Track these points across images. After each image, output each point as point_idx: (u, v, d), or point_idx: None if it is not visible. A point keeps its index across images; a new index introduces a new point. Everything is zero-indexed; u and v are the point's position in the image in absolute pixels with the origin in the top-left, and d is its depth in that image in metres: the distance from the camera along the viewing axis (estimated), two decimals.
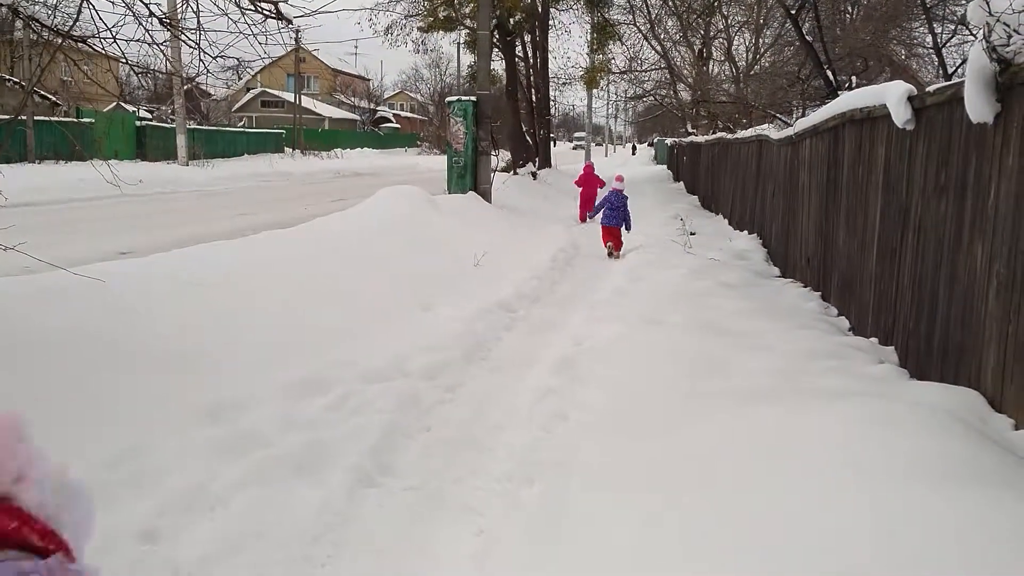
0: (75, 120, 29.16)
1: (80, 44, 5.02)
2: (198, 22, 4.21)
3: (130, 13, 4.15)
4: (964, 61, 9.12)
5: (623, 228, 12.37)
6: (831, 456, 3.12)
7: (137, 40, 4.23)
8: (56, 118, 28.68)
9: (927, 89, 4.89)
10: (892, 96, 5.19)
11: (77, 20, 4.36)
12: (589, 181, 17.15)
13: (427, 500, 3.93)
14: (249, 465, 3.92)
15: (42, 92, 28.71)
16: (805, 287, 8.25)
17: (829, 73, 8.58)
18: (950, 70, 9.67)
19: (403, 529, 3.63)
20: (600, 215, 12.50)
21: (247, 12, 4.30)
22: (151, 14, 4.14)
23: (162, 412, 4.27)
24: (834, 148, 7.29)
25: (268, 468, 3.90)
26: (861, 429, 3.35)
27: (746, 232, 12.63)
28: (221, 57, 4.40)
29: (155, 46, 4.27)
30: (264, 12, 4.42)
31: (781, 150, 9.99)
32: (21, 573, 0.64)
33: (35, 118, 26.24)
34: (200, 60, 4.36)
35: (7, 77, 26.09)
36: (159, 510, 3.42)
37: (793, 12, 8.91)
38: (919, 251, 4.96)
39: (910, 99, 5.12)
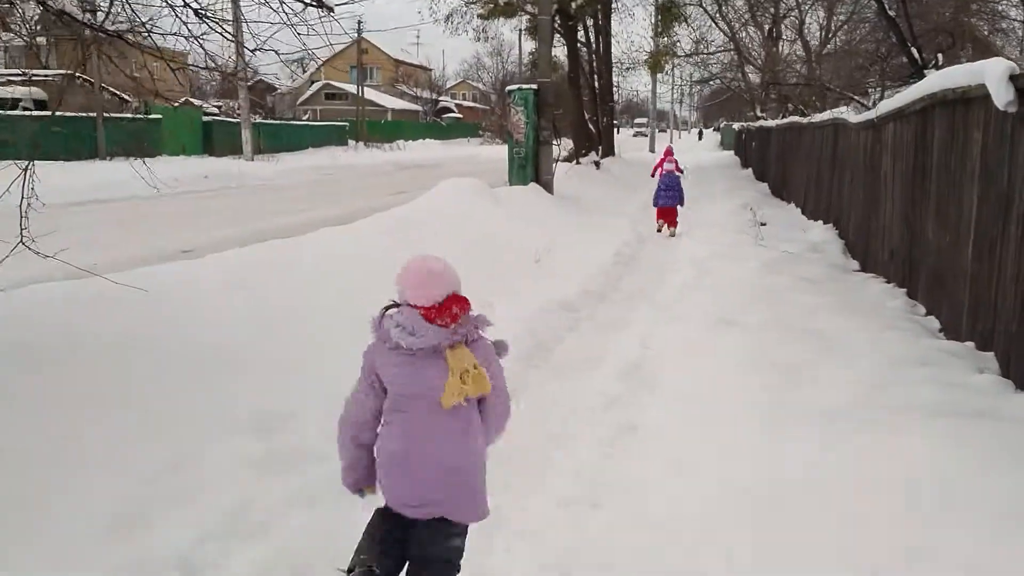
0: (143, 116, 29.73)
1: (116, 39, 4.85)
2: (235, 13, 3.98)
3: (165, 4, 3.96)
4: None
5: (678, 205, 13.16)
6: (938, 497, 2.73)
7: (173, 34, 4.03)
8: (125, 114, 29.34)
9: None
10: (992, 75, 4.69)
11: (108, 14, 4.18)
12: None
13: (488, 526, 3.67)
14: (297, 484, 3.70)
15: (111, 89, 29.36)
16: (888, 283, 7.71)
17: (914, 51, 7.98)
18: None
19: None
20: (657, 197, 13.28)
21: (285, 1, 4.06)
22: (185, 4, 3.92)
23: (207, 423, 4.08)
24: (922, 132, 6.75)
25: (317, 487, 3.67)
26: (967, 458, 2.94)
27: (820, 222, 12.03)
28: (261, 50, 4.17)
29: (192, 39, 4.07)
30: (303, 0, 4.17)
31: (860, 135, 9.41)
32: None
33: (104, 115, 26.79)
34: (238, 54, 4.14)
35: (77, 75, 26.65)
36: (200, 535, 3.21)
37: None
38: None
39: (1012, 78, 4.61)
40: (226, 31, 4.09)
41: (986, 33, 17.29)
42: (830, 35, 24.70)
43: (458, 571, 2.66)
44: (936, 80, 6.17)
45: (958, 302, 5.67)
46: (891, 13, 8.53)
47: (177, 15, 4.25)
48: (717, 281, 8.31)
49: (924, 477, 2.91)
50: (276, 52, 4.21)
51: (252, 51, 4.22)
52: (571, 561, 3.23)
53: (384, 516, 2.70)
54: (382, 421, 2.75)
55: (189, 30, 4.26)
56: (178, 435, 3.89)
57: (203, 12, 4.01)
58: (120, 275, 5.76)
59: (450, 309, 2.60)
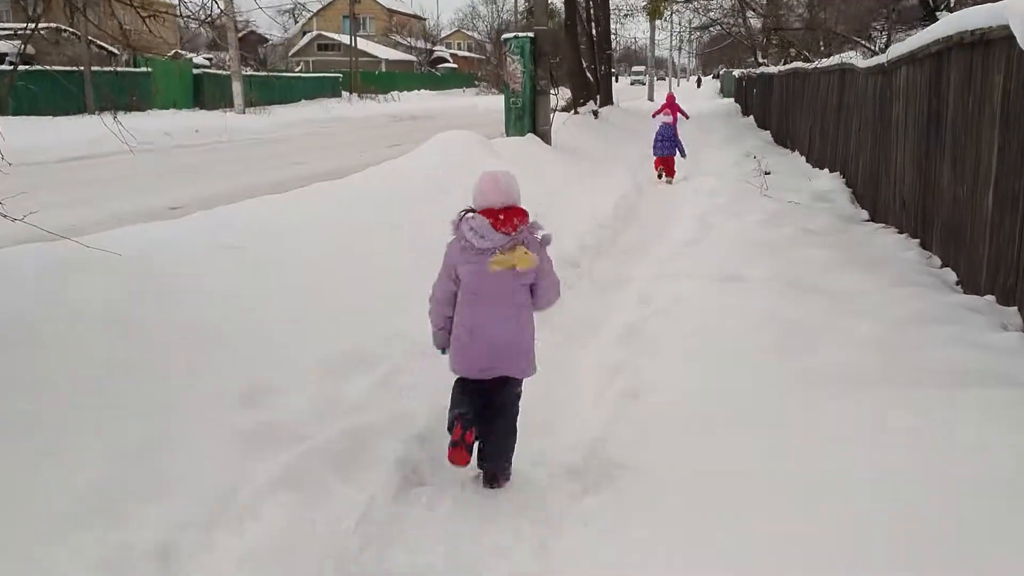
0: (132, 70, 29.12)
1: None
2: None
3: None
4: None
5: (676, 155, 13.48)
6: (976, 482, 2.52)
7: None
8: (113, 68, 28.70)
9: None
10: (1014, 14, 4.39)
11: None
12: (670, 109, 16.81)
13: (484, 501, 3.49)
14: (284, 462, 3.49)
15: (98, 42, 28.70)
16: (900, 233, 7.46)
17: None
18: None
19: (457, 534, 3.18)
20: (655, 147, 13.61)
21: None
22: None
23: (189, 398, 3.86)
24: (937, 77, 6.44)
25: (304, 467, 3.47)
26: (1005, 434, 2.73)
27: (827, 171, 11.73)
28: None
29: None
30: None
31: (869, 80, 9.07)
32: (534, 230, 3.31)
33: (92, 68, 26.21)
34: None
35: (63, 28, 26.03)
36: (177, 522, 3.01)
37: None
38: None
39: None
40: None
41: None
42: None
43: (518, 408, 3.64)
44: (953, 21, 5.85)
45: (977, 254, 5.43)
46: None
47: None
48: (721, 235, 8.07)
49: (970, 472, 2.68)
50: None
51: None
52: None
53: (463, 382, 3.62)
54: (457, 304, 3.55)
55: None
56: (154, 412, 3.67)
57: None
58: (100, 236, 5.51)
59: (511, 220, 3.41)
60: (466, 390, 3.59)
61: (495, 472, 3.58)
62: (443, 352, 3.75)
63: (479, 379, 3.54)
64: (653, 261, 7.52)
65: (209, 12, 4.33)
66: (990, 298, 5.06)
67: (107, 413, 3.56)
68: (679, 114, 17.08)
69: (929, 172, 6.69)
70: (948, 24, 5.99)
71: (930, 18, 7.64)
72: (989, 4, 5.02)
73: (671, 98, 17.60)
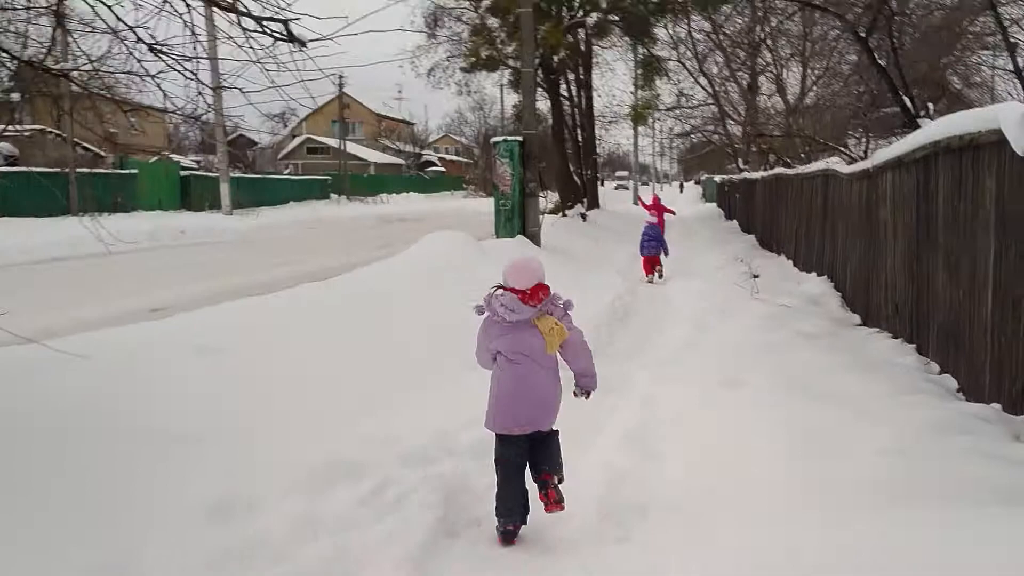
0: (118, 171, 29.33)
1: (90, 94, 4.53)
2: (195, 47, 3.65)
3: (115, 37, 3.62)
4: None
5: (661, 254, 14.09)
6: None
7: (127, 72, 3.69)
8: (99, 170, 28.92)
9: None
10: (1010, 118, 4.42)
11: (50, 52, 3.83)
12: (657, 209, 17.35)
13: None
14: None
15: (84, 144, 28.99)
16: (895, 338, 7.37)
17: (906, 100, 7.79)
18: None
19: None
20: (642, 247, 14.13)
21: (252, 35, 3.73)
22: (139, 40, 3.59)
23: (158, 511, 3.62)
24: (924, 181, 6.48)
25: None
26: None
27: (814, 274, 11.75)
28: (224, 88, 3.83)
29: (148, 78, 3.73)
30: (272, 33, 3.83)
31: (854, 185, 9.17)
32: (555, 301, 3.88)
33: (77, 170, 26.40)
34: (199, 93, 3.80)
35: (49, 130, 26.29)
36: None
37: (864, 35, 8.16)
38: None
39: None
40: (185, 69, 3.75)
41: (959, 87, 17.34)
42: (806, 90, 24.86)
43: (559, 445, 4.09)
44: (940, 127, 5.92)
45: (978, 360, 5.33)
46: (881, 63, 8.36)
47: (131, 52, 3.90)
48: (717, 337, 7.97)
49: None
50: (241, 90, 3.86)
51: (214, 89, 3.86)
52: None
53: (502, 439, 4.04)
54: (494, 369, 4.10)
55: (144, 68, 3.91)
56: (117, 530, 3.42)
57: (158, 48, 3.66)
58: (74, 339, 5.32)
59: (537, 294, 3.93)
60: (508, 449, 4.02)
61: (554, 487, 3.96)
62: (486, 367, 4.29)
63: (514, 435, 3.99)
64: (652, 364, 7.37)
65: (196, 109, 4.28)
66: (996, 406, 4.92)
67: (60, 534, 3.31)
68: (666, 213, 17.67)
69: (922, 277, 6.66)
70: (935, 130, 6.07)
71: (911, 124, 7.76)
72: (976, 109, 5.08)
73: (656, 200, 18.05)
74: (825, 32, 20.95)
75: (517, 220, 15.46)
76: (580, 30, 23.13)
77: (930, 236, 6.40)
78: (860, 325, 8.58)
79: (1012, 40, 13.61)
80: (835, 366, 6.28)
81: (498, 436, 4.06)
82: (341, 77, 55.95)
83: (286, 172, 57.31)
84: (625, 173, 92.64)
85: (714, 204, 42.91)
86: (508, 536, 3.94)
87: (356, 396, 5.63)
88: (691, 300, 10.61)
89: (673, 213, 18.57)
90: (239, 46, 3.99)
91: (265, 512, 3.80)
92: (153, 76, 4.13)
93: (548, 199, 20.03)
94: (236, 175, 36.11)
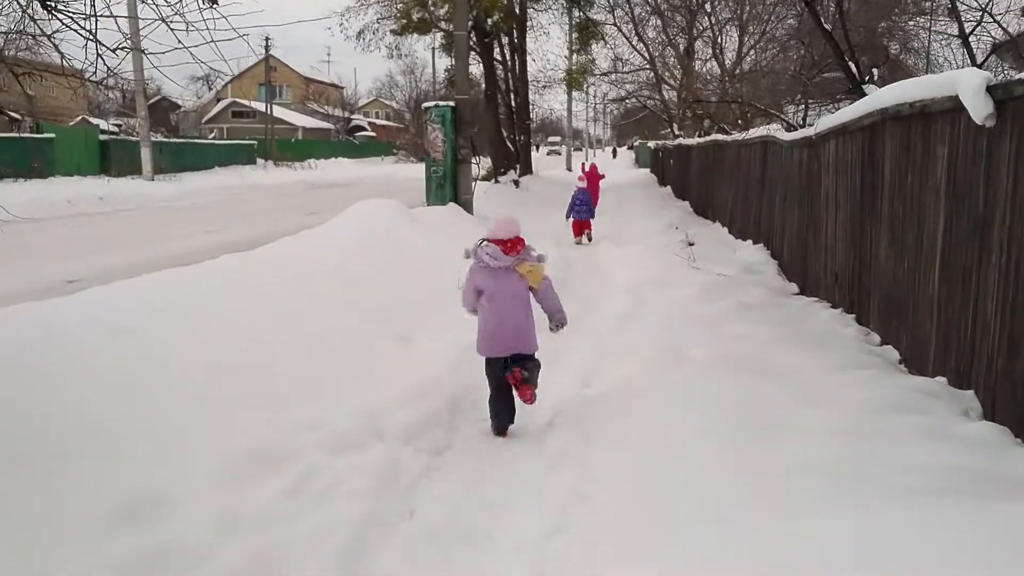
0: (34, 136, 27.89)
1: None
2: (92, 3, 3.19)
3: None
4: (995, 50, 8.24)
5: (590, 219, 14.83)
6: None
7: (18, 32, 3.23)
8: (14, 134, 27.45)
9: (1018, 76, 3.95)
10: (967, 86, 4.25)
11: None
12: (592, 177, 17.93)
13: None
14: None
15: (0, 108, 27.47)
16: (834, 308, 7.30)
17: (852, 65, 7.65)
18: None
19: None
20: (572, 213, 14.60)
21: None
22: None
23: (60, 515, 3.24)
24: (870, 149, 6.36)
25: None
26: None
27: (751, 242, 11.70)
28: (122, 48, 3.39)
29: (44, 37, 3.27)
30: None
31: (795, 152, 9.07)
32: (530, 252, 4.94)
33: None
34: (98, 55, 3.35)
35: None
36: None
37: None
38: (1014, 272, 4.01)
39: (990, 89, 4.17)
40: (81, 27, 3.30)
41: (896, 53, 17.48)
42: (743, 55, 24.88)
43: (538, 366, 5.10)
44: (889, 94, 5.77)
45: (923, 333, 5.24)
46: (827, 27, 8.20)
47: (23, 8, 3.43)
48: (655, 309, 7.80)
49: None
50: (144, 51, 3.42)
51: (113, 50, 3.43)
52: None
53: (489, 361, 5.05)
54: (480, 304, 5.06)
55: (39, 27, 3.44)
56: (9, 540, 3.04)
57: (50, 3, 3.20)
58: None
59: (516, 247, 4.92)
60: (494, 364, 5.03)
61: (528, 382, 4.91)
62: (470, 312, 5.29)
63: (502, 356, 4.99)
64: (590, 337, 7.15)
65: (116, 76, 3.84)
66: (941, 379, 4.83)
67: None
68: (600, 180, 18.52)
69: (864, 246, 6.56)
70: (884, 96, 5.92)
71: (856, 91, 7.62)
72: (929, 76, 4.92)
73: (593, 167, 18.08)
74: None
75: (449, 187, 15.10)
76: None
77: (874, 205, 6.29)
78: (798, 294, 8.52)
79: (955, 3, 13.71)
80: (776, 338, 6.15)
81: (486, 359, 5.08)
82: (267, 39, 54.28)
83: (211, 136, 55.42)
84: (558, 138, 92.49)
85: (647, 170, 43.02)
86: (501, 431, 5.03)
87: (280, 378, 5.25)
88: (629, 270, 10.43)
89: (603, 176, 19.20)
90: (144, 2, 3.54)
91: (182, 511, 3.45)
92: (49, 36, 3.67)
93: (481, 165, 19.65)
94: (159, 139, 34.69)
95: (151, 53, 4.30)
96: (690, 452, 3.91)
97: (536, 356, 5.09)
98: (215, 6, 3.56)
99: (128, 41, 3.62)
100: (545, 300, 5.14)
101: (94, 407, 4.08)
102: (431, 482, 4.25)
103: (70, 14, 3.24)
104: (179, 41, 3.52)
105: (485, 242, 4.96)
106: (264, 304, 6.58)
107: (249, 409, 4.68)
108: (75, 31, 3.28)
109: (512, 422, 5.04)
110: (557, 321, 5.21)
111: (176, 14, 3.45)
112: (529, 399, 4.91)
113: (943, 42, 16.05)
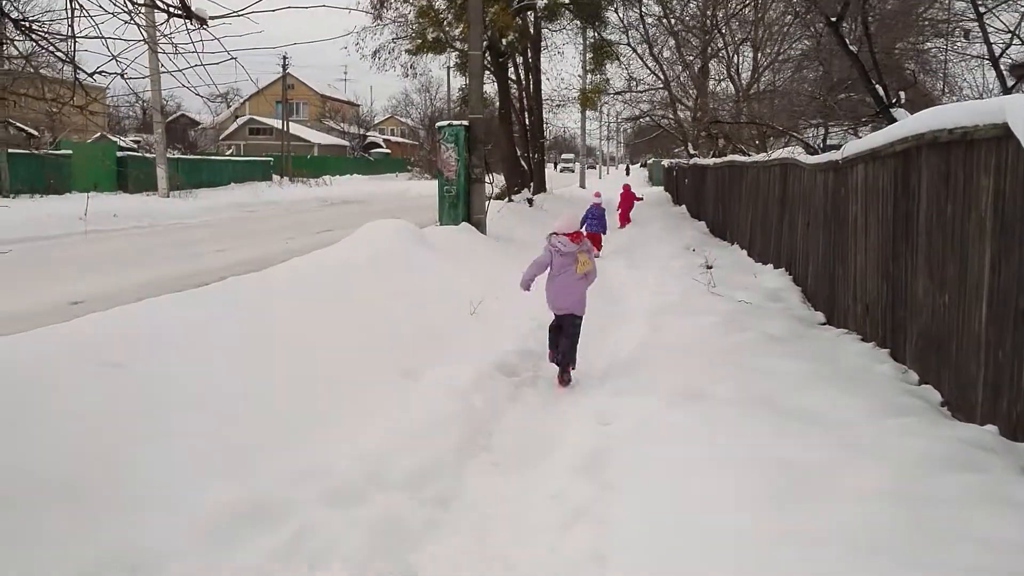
0: (52, 153, 27.92)
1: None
2: (71, 23, 2.91)
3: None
4: None
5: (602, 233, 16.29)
6: None
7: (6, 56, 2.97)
8: (33, 150, 27.47)
9: None
10: (1019, 111, 3.92)
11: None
12: (627, 199, 21.54)
13: None
14: None
15: (18, 124, 27.51)
16: (865, 341, 6.93)
17: (879, 88, 7.32)
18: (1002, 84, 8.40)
19: None
20: (585, 225, 14.89)
21: (138, 8, 3.03)
22: (3, 14, 2.86)
23: None
24: (904, 176, 6.01)
25: None
26: None
27: (771, 266, 11.34)
28: (102, 73, 3.12)
29: (21, 60, 3.01)
30: (166, 8, 3.13)
31: (818, 176, 8.72)
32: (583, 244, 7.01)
33: (9, 151, 24.97)
34: (76, 80, 3.08)
35: None
36: None
37: (834, 19, 7.67)
38: None
39: None
40: (57, 49, 3.03)
41: (912, 74, 17.13)
42: (758, 75, 24.56)
43: (579, 329, 6.95)
44: (925, 119, 5.43)
45: (968, 374, 4.87)
46: (853, 48, 7.88)
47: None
48: (675, 338, 7.44)
49: None
50: (122, 75, 3.14)
51: (90, 75, 3.15)
52: None
53: (555, 318, 6.97)
54: (547, 276, 6.96)
55: (17, 48, 3.18)
56: None
57: (25, 24, 2.94)
58: None
59: (578, 237, 6.89)
60: (555, 321, 7.02)
61: (566, 365, 6.81)
62: (526, 289, 7.13)
63: (561, 314, 6.93)
64: (605, 369, 6.82)
65: (139, 97, 3.62)
66: (992, 428, 4.46)
67: None
68: (636, 200, 21.77)
69: (898, 278, 6.20)
70: (916, 122, 5.59)
71: (885, 114, 7.29)
72: (971, 102, 4.60)
73: (627, 189, 21.89)
74: (779, 16, 20.62)
75: (462, 207, 14.83)
76: (530, 12, 22.44)
77: (909, 235, 5.94)
78: (825, 324, 8.15)
79: (967, 28, 13.36)
80: (807, 376, 5.78)
81: (555, 314, 7.02)
82: (285, 57, 54.51)
83: (228, 153, 55.55)
84: (571, 155, 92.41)
85: (661, 188, 42.67)
86: (562, 379, 6.82)
87: (278, 417, 4.95)
88: (646, 294, 10.09)
89: (640, 199, 22.04)
90: (127, 22, 3.27)
91: (164, 571, 3.14)
92: (26, 57, 3.41)
93: (494, 184, 19.40)
94: (175, 156, 34.69)
95: (164, 72, 4.03)
96: (722, 514, 3.56)
97: (581, 321, 6.97)
98: (205, 27, 3.29)
99: (115, 63, 3.34)
100: (589, 278, 7.00)
101: (72, 461, 3.77)
102: (434, 539, 3.91)
103: (46, 35, 2.97)
104: (162, 66, 3.25)
105: (555, 234, 6.91)
106: (265, 333, 6.29)
107: (244, 454, 4.38)
108: (51, 52, 3.01)
109: (566, 381, 6.83)
110: (589, 281, 7.08)
111: (163, 36, 3.19)
112: (564, 379, 6.78)
113: (967, 64, 15.73)
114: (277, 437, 4.69)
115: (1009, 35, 7.01)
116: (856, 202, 7.26)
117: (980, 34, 8.62)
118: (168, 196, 28.07)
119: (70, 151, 28.85)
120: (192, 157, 40.31)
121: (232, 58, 3.53)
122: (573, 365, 6.81)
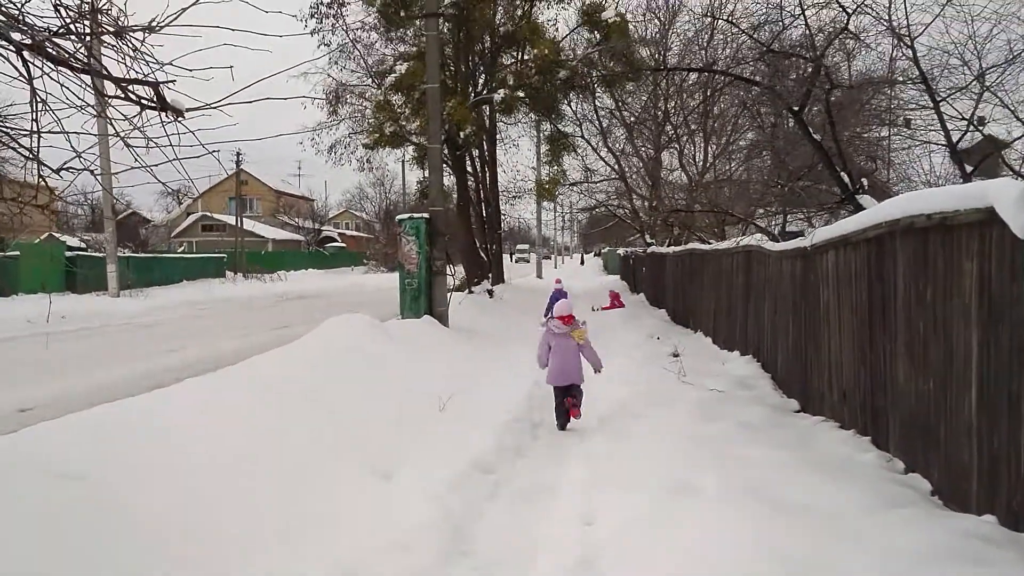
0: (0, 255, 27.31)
1: None
2: (34, 116, 2.77)
3: None
4: (987, 158, 8.14)
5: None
6: None
7: None
8: None
9: None
10: (1006, 197, 3.94)
11: None
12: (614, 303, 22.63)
13: None
14: None
15: None
16: (844, 428, 6.84)
17: (844, 175, 7.45)
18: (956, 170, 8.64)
19: None
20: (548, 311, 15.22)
21: (113, 101, 2.91)
22: None
23: None
24: (878, 261, 6.04)
25: None
26: None
27: (738, 353, 11.32)
28: (67, 170, 2.96)
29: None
30: (139, 100, 3.01)
31: (785, 263, 8.78)
32: (576, 322, 8.51)
33: None
34: (39, 176, 2.92)
35: None
36: None
37: (797, 108, 7.86)
38: None
39: None
40: (20, 145, 2.87)
41: (873, 161, 17.70)
42: (708, 165, 25.23)
43: (582, 392, 8.28)
44: (902, 204, 5.48)
45: (959, 462, 4.77)
46: (816, 137, 8.06)
47: None
48: (651, 429, 7.27)
49: None
50: (92, 172, 2.98)
51: (55, 171, 2.99)
52: None
53: (556, 388, 8.19)
54: (549, 354, 8.29)
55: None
56: None
57: None
58: None
59: (570, 320, 8.29)
60: (557, 391, 8.17)
61: (576, 406, 8.09)
62: (543, 367, 8.48)
63: (561, 385, 8.14)
64: (583, 462, 6.60)
65: (87, 196, 3.44)
66: (989, 518, 4.34)
67: None
68: (618, 307, 22.08)
69: (876, 363, 6.16)
70: (890, 207, 5.64)
71: (851, 201, 7.40)
72: (952, 187, 4.64)
73: (615, 295, 22.99)
74: (727, 108, 21.30)
75: (424, 299, 14.69)
76: (486, 106, 22.88)
77: (886, 320, 5.92)
78: (799, 412, 8.06)
79: (908, 117, 13.87)
80: (790, 465, 5.65)
81: (553, 387, 8.24)
82: (238, 153, 54.72)
83: (180, 250, 54.98)
84: (526, 246, 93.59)
85: (617, 276, 43.11)
86: (562, 426, 8.13)
87: (243, 526, 4.63)
88: (615, 384, 9.93)
89: (622, 307, 22.24)
90: (96, 115, 3.13)
91: None
92: None
93: (455, 275, 19.36)
94: (126, 254, 34.15)
95: (116, 172, 3.88)
96: None
97: (582, 387, 8.26)
98: (180, 119, 3.16)
99: (79, 159, 3.18)
100: (586, 352, 8.30)
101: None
102: None
103: (7, 131, 2.81)
104: (138, 160, 3.09)
105: (552, 318, 8.42)
106: (226, 436, 5.96)
107: (204, 571, 4.04)
108: (12, 148, 2.85)
109: (565, 427, 8.17)
110: (595, 367, 8.39)
111: (136, 129, 3.05)
112: (576, 415, 8.09)
113: (909, 153, 16.31)
114: (241, 550, 4.36)
115: (965, 122, 7.22)
116: (828, 288, 7.29)
117: (927, 121, 8.91)
118: (119, 295, 27.47)
119: (17, 252, 28.21)
120: (143, 255, 39.75)
121: (210, 152, 3.40)
122: (579, 404, 8.14)
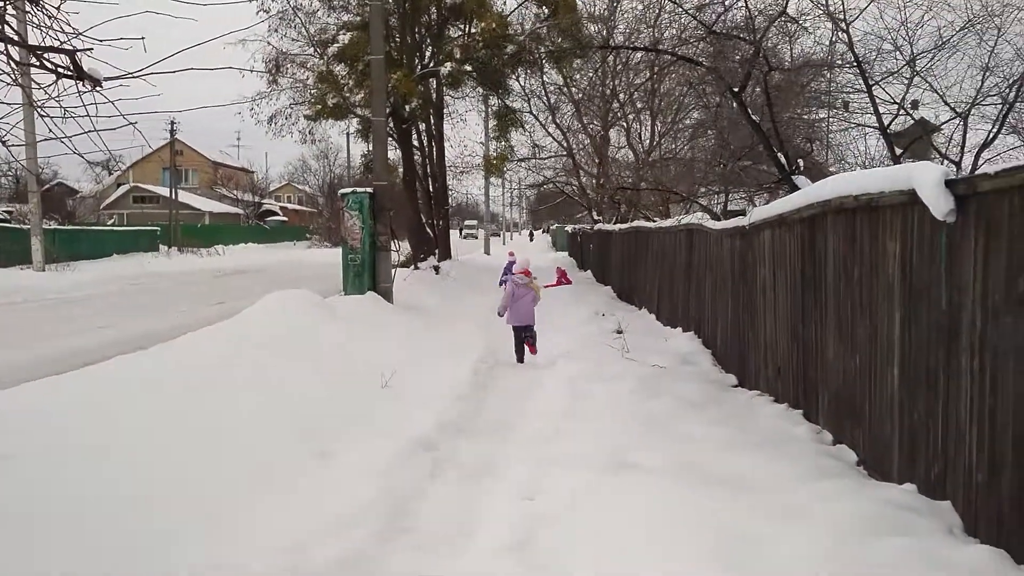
0: None
1: None
2: None
3: None
4: (916, 141, 8.38)
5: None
6: None
7: None
8: None
9: (988, 171, 3.77)
10: (927, 180, 4.07)
11: None
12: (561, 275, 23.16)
13: None
14: None
15: None
16: (778, 402, 7.05)
17: (781, 157, 7.61)
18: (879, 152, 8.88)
19: None
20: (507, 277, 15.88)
21: (23, 68, 2.82)
22: None
23: None
24: (810, 241, 6.20)
25: None
26: None
27: (680, 329, 11.52)
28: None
29: None
30: (55, 68, 2.92)
31: (725, 241, 8.95)
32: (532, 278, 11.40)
33: None
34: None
35: None
36: None
37: (737, 90, 7.98)
38: (990, 381, 3.76)
39: (949, 184, 4.00)
40: None
41: (810, 143, 18.08)
42: (655, 142, 25.46)
43: (535, 333, 11.10)
44: (830, 186, 5.63)
45: (882, 434, 4.96)
46: (755, 119, 8.20)
47: None
48: (594, 406, 7.38)
49: None
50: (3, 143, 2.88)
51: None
52: None
53: (515, 328, 10.89)
54: (512, 300, 10.88)
55: None
56: None
57: None
58: None
59: (528, 274, 11.19)
60: (517, 331, 10.74)
61: (533, 344, 10.81)
62: (501, 315, 11.05)
63: (520, 325, 10.70)
64: (527, 440, 6.67)
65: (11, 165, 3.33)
66: (909, 487, 4.53)
67: None
68: (565, 283, 22.44)
69: (808, 340, 6.35)
70: (820, 189, 5.79)
71: (787, 181, 7.57)
72: (882, 169, 4.78)
73: (562, 272, 23.36)
74: (674, 86, 21.47)
75: (368, 276, 14.58)
76: (433, 79, 22.65)
77: (817, 299, 6.09)
78: (737, 386, 8.26)
79: (847, 100, 14.19)
80: (729, 440, 5.80)
81: (513, 326, 10.73)
82: (173, 122, 53.35)
83: (110, 223, 53.43)
84: (474, 222, 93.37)
85: (565, 253, 43.32)
86: (520, 359, 10.67)
87: (178, 508, 4.58)
88: (560, 361, 10.04)
89: (570, 283, 22.82)
90: (9, 83, 3.02)
91: None
92: None
93: (400, 251, 19.26)
94: (52, 227, 33.11)
95: (37, 141, 3.77)
96: None
97: (535, 328, 10.85)
98: (99, 89, 3.08)
99: None
100: (536, 300, 10.88)
101: None
102: None
103: None
104: (49, 130, 3.00)
105: (515, 274, 10.97)
106: (160, 415, 5.87)
107: (136, 554, 4.00)
108: None
109: (523, 359, 10.74)
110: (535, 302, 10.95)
111: (51, 98, 2.95)
112: (533, 351, 10.66)
113: (848, 135, 16.70)
114: (187, 529, 4.33)
115: (896, 106, 7.42)
116: (764, 266, 7.46)
117: (862, 105, 9.12)
118: (44, 269, 26.64)
119: None
120: (71, 228, 38.55)
121: (131, 124, 3.32)
122: (534, 340, 10.80)
